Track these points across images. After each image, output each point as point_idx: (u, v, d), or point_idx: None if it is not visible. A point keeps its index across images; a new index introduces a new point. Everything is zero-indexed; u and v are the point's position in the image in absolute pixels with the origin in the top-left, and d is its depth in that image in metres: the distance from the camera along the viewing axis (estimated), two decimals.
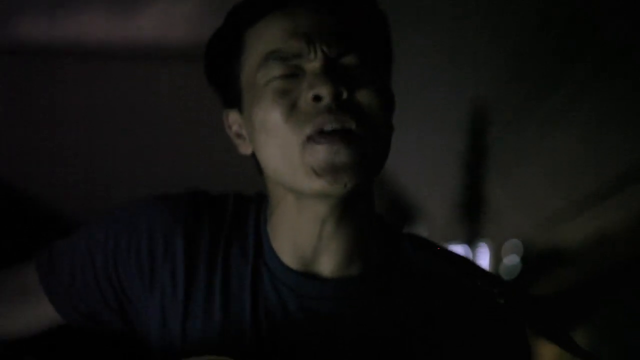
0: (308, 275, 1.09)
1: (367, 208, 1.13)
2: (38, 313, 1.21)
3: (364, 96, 1.04)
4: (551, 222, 8.73)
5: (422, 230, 9.91)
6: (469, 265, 1.12)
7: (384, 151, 1.09)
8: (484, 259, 11.42)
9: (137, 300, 1.13)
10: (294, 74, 1.04)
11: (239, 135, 1.16)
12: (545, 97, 7.91)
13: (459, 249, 11.35)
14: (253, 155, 1.14)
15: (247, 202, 1.19)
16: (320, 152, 1.00)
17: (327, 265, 1.10)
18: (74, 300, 1.14)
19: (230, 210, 1.16)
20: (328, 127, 1.02)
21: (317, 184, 1.02)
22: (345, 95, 1.02)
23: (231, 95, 1.13)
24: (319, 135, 1.01)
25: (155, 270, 1.11)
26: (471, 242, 10.97)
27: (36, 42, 4.68)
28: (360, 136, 1.03)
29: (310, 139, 1.02)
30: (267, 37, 1.06)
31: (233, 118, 1.15)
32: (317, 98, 1.02)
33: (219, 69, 1.11)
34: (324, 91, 1.01)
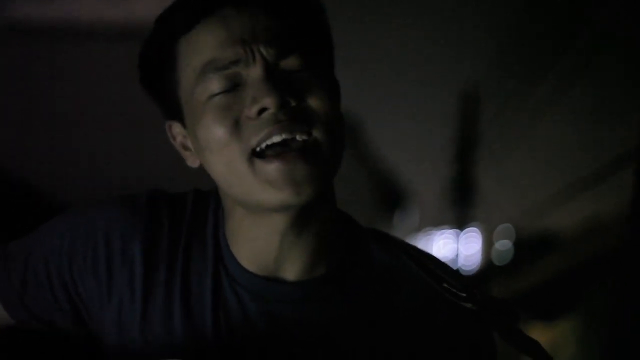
0: (270, 279, 1.04)
1: (329, 210, 1.05)
2: None
3: (313, 101, 0.96)
4: (543, 208, 8.75)
5: (413, 215, 9.94)
6: (436, 264, 1.08)
7: (341, 151, 1.00)
8: (476, 243, 11.43)
9: (93, 305, 1.07)
10: (235, 85, 0.96)
11: (185, 147, 1.05)
12: (536, 83, 7.90)
13: (450, 233, 11.36)
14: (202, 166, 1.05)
15: (206, 200, 1.10)
16: (273, 170, 0.94)
17: (290, 270, 1.04)
18: (26, 302, 1.08)
19: (189, 210, 1.08)
20: (277, 138, 0.93)
21: (277, 197, 0.95)
22: (293, 103, 0.94)
23: (172, 108, 1.04)
24: (269, 150, 0.94)
25: (113, 277, 1.05)
26: (462, 226, 10.98)
27: (31, 22, 4.66)
28: (316, 145, 0.95)
29: (256, 153, 0.94)
30: (200, 48, 0.98)
31: (177, 129, 1.05)
32: (262, 110, 0.93)
33: (155, 82, 1.04)
34: (269, 102, 0.93)
